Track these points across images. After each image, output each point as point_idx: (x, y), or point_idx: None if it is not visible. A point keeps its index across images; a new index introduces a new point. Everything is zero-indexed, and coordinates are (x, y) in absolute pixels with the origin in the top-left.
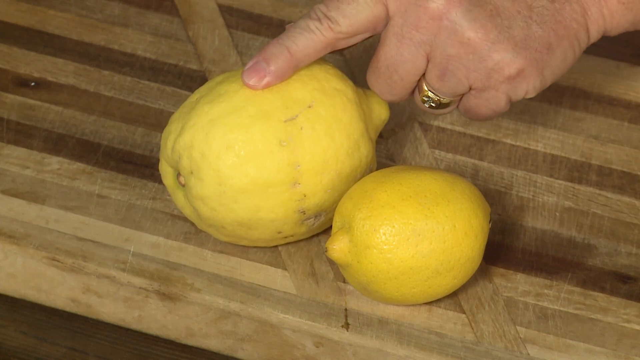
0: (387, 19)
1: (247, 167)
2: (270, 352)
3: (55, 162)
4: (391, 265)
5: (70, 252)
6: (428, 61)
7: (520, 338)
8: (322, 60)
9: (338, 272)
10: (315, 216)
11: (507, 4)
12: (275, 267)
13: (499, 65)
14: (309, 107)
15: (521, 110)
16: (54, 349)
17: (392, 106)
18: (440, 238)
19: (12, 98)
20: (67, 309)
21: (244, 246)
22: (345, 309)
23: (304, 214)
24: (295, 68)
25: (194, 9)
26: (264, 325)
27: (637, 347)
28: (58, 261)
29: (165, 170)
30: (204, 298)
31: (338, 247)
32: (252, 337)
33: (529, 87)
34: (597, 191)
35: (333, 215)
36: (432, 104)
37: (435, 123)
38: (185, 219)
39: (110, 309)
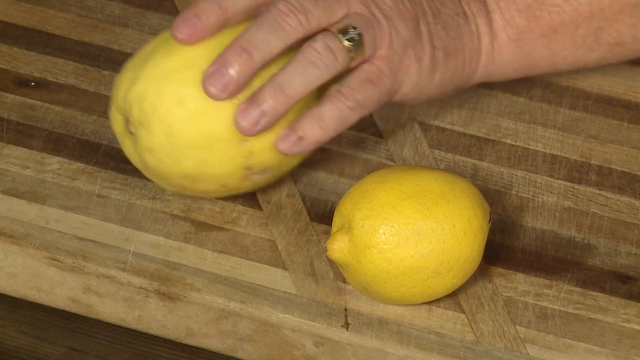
0: None
1: (197, 122)
2: (270, 352)
3: (55, 162)
4: (391, 265)
5: (70, 252)
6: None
7: (520, 338)
8: None
9: (338, 272)
10: (261, 172)
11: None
12: (275, 267)
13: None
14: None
15: (521, 110)
16: (54, 349)
17: (392, 106)
18: (440, 238)
19: (12, 98)
20: (67, 309)
21: (243, 246)
22: (345, 309)
23: (250, 169)
24: (225, 24)
25: None
26: (264, 325)
27: (636, 347)
28: (58, 261)
29: (115, 117)
30: (204, 298)
31: (338, 247)
32: (252, 337)
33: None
34: (597, 191)
35: (279, 172)
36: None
37: (435, 123)
38: (185, 219)
39: (110, 309)
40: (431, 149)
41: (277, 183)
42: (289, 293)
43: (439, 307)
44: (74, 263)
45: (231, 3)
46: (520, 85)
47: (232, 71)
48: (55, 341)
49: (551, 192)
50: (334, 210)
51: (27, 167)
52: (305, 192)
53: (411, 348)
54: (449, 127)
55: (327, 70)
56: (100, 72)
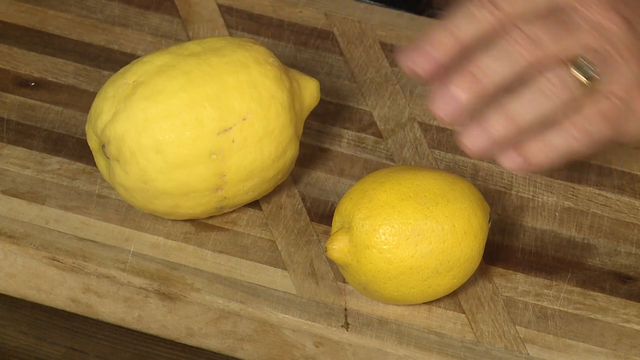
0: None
1: (174, 173)
2: (270, 352)
3: (55, 162)
4: (391, 265)
5: (70, 252)
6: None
7: (520, 338)
8: (263, 56)
9: (338, 272)
10: (231, 208)
11: None
12: (275, 267)
13: None
14: (244, 119)
15: None
16: (54, 349)
17: (392, 106)
18: (440, 238)
19: (12, 98)
20: (67, 309)
21: (243, 246)
22: (345, 309)
23: (222, 209)
24: (457, 52)
25: (194, 9)
26: (263, 325)
27: (636, 347)
28: (58, 261)
29: (91, 136)
30: (204, 298)
31: (338, 247)
32: (251, 337)
33: None
34: (597, 191)
35: (247, 203)
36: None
37: (435, 123)
38: (185, 219)
39: (110, 309)
40: (431, 149)
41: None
42: (289, 293)
43: (439, 307)
44: (73, 263)
45: (463, 30)
46: None
47: (458, 93)
48: (55, 341)
49: (551, 192)
50: (334, 210)
51: (27, 167)
52: (305, 192)
53: (411, 348)
54: (449, 127)
55: (558, 104)
56: (100, 72)
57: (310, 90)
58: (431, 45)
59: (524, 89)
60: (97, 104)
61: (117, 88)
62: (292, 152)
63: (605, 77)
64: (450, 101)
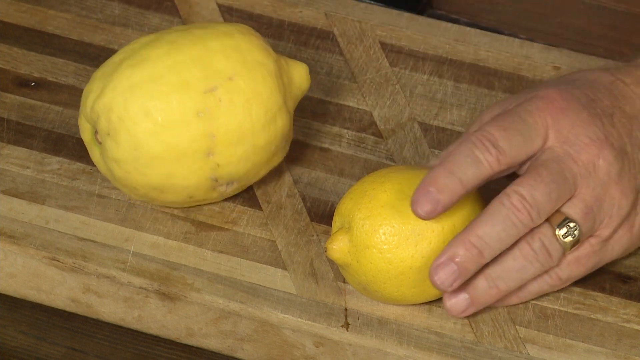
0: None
1: (163, 134)
2: (270, 352)
3: (55, 162)
4: (391, 265)
5: (70, 252)
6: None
7: (520, 338)
8: (247, 30)
9: (338, 272)
10: (227, 183)
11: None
12: (275, 267)
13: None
14: (229, 79)
15: None
16: (54, 349)
17: (392, 106)
18: (440, 238)
19: (12, 98)
20: (67, 309)
21: (243, 246)
22: (345, 309)
23: (217, 181)
24: (463, 196)
25: (194, 9)
26: (263, 325)
27: (636, 347)
28: (58, 261)
29: (84, 126)
30: (204, 298)
31: (338, 247)
32: (252, 337)
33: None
34: None
35: (246, 182)
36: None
37: (435, 123)
38: (185, 219)
39: (110, 309)
40: (431, 149)
41: (277, 183)
42: (289, 293)
43: (439, 307)
44: (74, 263)
45: (470, 177)
46: (520, 85)
47: (461, 265)
48: (55, 341)
49: None
50: (334, 210)
51: (27, 167)
52: (305, 192)
53: (411, 348)
54: (449, 127)
55: (541, 269)
56: None
57: (299, 71)
58: (438, 189)
59: (508, 258)
60: (86, 88)
61: (104, 68)
62: (282, 121)
63: (589, 230)
64: (454, 274)
